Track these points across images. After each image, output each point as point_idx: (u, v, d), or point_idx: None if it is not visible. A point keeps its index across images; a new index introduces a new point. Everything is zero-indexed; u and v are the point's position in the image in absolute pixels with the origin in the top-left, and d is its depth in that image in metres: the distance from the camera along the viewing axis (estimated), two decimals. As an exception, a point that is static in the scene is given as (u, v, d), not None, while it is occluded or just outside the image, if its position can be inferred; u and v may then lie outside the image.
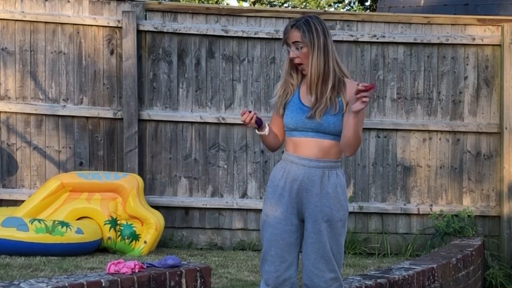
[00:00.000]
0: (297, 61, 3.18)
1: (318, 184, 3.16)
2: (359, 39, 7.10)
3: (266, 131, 3.25)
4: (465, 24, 7.21)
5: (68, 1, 6.87)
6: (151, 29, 6.94)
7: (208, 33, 7.00)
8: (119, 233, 6.15)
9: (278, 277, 3.22)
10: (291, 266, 3.23)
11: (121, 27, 6.87)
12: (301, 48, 3.16)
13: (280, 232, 3.21)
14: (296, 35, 3.16)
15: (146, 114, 6.92)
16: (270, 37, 7.05)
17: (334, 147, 3.19)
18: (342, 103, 3.17)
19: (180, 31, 6.98)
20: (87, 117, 6.88)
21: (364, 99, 2.95)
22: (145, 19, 6.99)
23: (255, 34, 7.03)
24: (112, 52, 6.93)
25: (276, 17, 7.09)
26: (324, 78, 3.16)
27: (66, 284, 3.10)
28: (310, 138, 3.19)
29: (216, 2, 21.15)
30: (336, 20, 7.14)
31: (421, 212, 7.12)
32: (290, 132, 3.26)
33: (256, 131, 3.27)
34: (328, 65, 3.16)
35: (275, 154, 7.02)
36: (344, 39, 7.08)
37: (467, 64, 7.21)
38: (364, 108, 3.01)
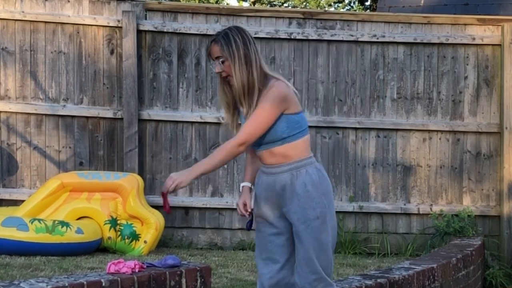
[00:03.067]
0: (223, 74, 3.17)
1: (289, 188, 3.16)
2: (359, 39, 7.10)
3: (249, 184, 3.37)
4: (465, 24, 7.21)
5: (68, 1, 6.87)
6: (151, 29, 6.94)
7: (208, 33, 6.99)
8: (119, 233, 6.15)
9: (271, 278, 3.24)
10: (285, 267, 3.24)
11: (121, 27, 6.87)
12: (223, 62, 3.14)
13: (266, 235, 3.26)
14: (215, 49, 3.16)
15: (146, 114, 6.92)
16: (270, 37, 7.05)
17: (290, 149, 3.16)
18: None
19: (180, 31, 6.98)
20: (87, 117, 6.88)
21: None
22: (145, 19, 6.99)
23: (255, 34, 7.02)
24: (112, 52, 6.93)
25: (276, 17, 7.09)
26: (250, 89, 3.14)
27: (66, 284, 3.10)
28: (263, 150, 3.20)
29: (216, 2, 21.15)
30: (336, 20, 7.14)
31: (421, 212, 7.12)
32: (253, 147, 3.27)
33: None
34: (252, 75, 3.13)
35: (275, 154, 7.01)
36: (344, 39, 7.08)
37: (467, 64, 7.21)
38: (184, 183, 3.10)
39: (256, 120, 3.11)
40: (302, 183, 3.14)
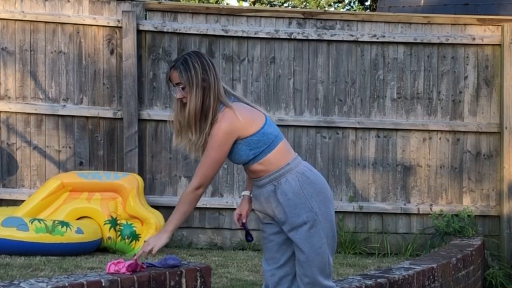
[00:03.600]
0: (185, 100, 3.13)
1: (273, 198, 3.18)
2: (359, 39, 7.10)
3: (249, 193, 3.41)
4: (465, 24, 7.21)
5: (68, 1, 6.87)
6: (151, 29, 6.94)
7: (208, 33, 7.00)
8: (119, 233, 6.15)
9: (273, 275, 3.28)
10: (286, 265, 3.26)
11: (121, 27, 6.87)
12: (183, 88, 3.13)
13: (267, 235, 3.31)
14: (175, 76, 3.13)
15: (146, 113, 6.92)
16: (270, 37, 7.05)
17: (264, 165, 3.16)
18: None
19: (180, 31, 6.98)
20: (87, 117, 6.88)
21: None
22: (145, 19, 6.99)
23: (255, 34, 7.03)
24: (112, 52, 6.93)
25: (276, 17, 7.09)
26: (203, 115, 3.11)
27: (66, 284, 3.09)
28: (246, 167, 3.24)
29: (216, 2, 21.15)
30: (336, 20, 7.14)
31: (421, 212, 7.12)
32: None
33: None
34: (208, 101, 3.11)
35: (275, 154, 7.01)
36: (344, 39, 7.08)
37: (467, 64, 7.21)
38: (156, 247, 3.44)
39: (206, 163, 3.11)
40: (282, 192, 3.15)
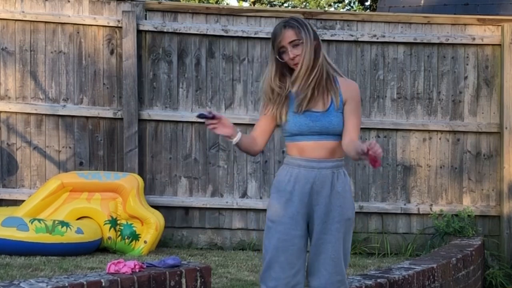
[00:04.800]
0: (297, 59, 3.15)
1: (329, 185, 3.15)
2: (359, 39, 7.10)
3: (236, 138, 3.12)
4: (465, 24, 7.21)
5: (68, 1, 6.87)
6: (151, 29, 6.94)
7: (208, 33, 7.00)
8: (119, 233, 6.15)
9: (288, 284, 3.14)
10: (300, 271, 3.18)
11: (121, 27, 6.87)
12: (297, 45, 3.14)
13: (290, 237, 3.15)
14: (290, 33, 3.15)
15: (146, 114, 6.93)
16: (270, 37, 7.03)
17: (338, 147, 3.19)
18: (334, 101, 3.16)
19: (180, 31, 6.98)
20: (87, 117, 6.88)
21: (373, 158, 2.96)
22: (145, 19, 6.99)
23: (255, 34, 7.03)
24: (112, 52, 6.93)
25: (276, 17, 7.09)
26: (311, 70, 3.14)
27: (66, 284, 3.10)
28: (315, 141, 3.16)
29: (216, 2, 21.15)
30: (336, 20, 7.15)
31: (421, 212, 7.12)
32: (293, 137, 3.22)
33: (228, 139, 3.14)
34: (318, 58, 3.16)
35: (275, 154, 7.02)
36: (344, 39, 7.08)
37: (467, 64, 7.21)
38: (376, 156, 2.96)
39: (359, 123, 3.19)
40: (342, 183, 3.18)
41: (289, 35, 3.15)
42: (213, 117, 3.01)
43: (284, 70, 3.21)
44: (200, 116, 3.01)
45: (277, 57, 3.17)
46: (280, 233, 3.15)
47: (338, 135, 3.17)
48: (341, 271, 3.16)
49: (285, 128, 3.24)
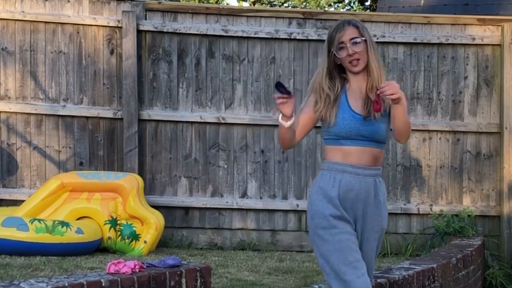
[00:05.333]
0: (356, 56, 3.11)
1: (373, 193, 3.12)
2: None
3: (290, 122, 3.00)
4: (465, 24, 7.21)
5: (68, 1, 6.87)
6: (151, 29, 6.94)
7: (208, 33, 7.00)
8: (119, 233, 6.15)
9: (365, 281, 3.03)
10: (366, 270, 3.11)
11: (121, 27, 6.87)
12: (358, 43, 3.11)
13: (348, 236, 3.07)
14: (354, 31, 3.12)
15: (146, 114, 6.92)
16: (270, 37, 7.05)
17: (381, 155, 3.19)
18: (383, 106, 3.12)
19: (180, 31, 6.98)
20: (87, 117, 6.88)
21: (390, 97, 2.96)
22: (145, 19, 6.99)
23: (255, 34, 7.03)
24: (112, 52, 6.93)
25: (276, 17, 7.09)
26: (382, 77, 3.13)
27: (66, 284, 3.10)
28: (362, 147, 3.11)
29: (216, 2, 21.16)
30: (336, 20, 7.12)
31: (421, 212, 7.12)
32: (338, 140, 3.14)
33: (280, 119, 3.01)
34: (379, 61, 3.17)
35: (275, 154, 7.01)
36: (344, 39, 7.07)
37: (467, 64, 7.21)
38: (398, 98, 2.98)
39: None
40: (383, 192, 3.17)
41: (351, 31, 3.12)
42: (288, 94, 2.94)
43: (334, 71, 3.18)
44: (278, 85, 2.93)
45: (335, 53, 3.13)
46: (338, 236, 3.06)
47: (383, 143, 3.17)
48: (372, 278, 3.20)
49: (331, 130, 3.15)
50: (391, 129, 3.19)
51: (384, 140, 3.17)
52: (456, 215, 7.00)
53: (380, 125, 3.12)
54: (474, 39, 7.16)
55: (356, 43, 3.11)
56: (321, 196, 3.11)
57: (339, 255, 3.04)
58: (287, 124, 3.00)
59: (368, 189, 3.11)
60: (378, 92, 2.98)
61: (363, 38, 3.11)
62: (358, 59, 3.12)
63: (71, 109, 6.87)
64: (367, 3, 19.87)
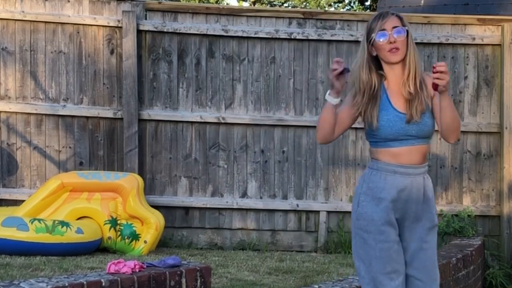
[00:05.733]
0: (396, 45, 3.03)
1: (422, 191, 3.05)
2: (359, 39, 7.09)
3: (338, 100, 3.02)
4: (465, 24, 7.21)
5: (68, 1, 6.87)
6: (151, 29, 6.94)
7: (208, 33, 7.00)
8: (119, 233, 6.15)
9: None
10: (403, 280, 3.04)
11: (121, 27, 6.87)
12: (401, 32, 3.04)
13: (392, 244, 3.00)
14: (396, 20, 3.07)
15: (146, 114, 6.92)
16: (270, 37, 7.04)
17: (427, 151, 3.11)
18: (426, 101, 3.05)
19: (180, 31, 6.98)
20: (87, 117, 6.88)
21: (440, 77, 2.86)
22: (145, 19, 6.99)
23: (255, 34, 7.03)
24: (112, 52, 6.93)
25: (276, 17, 7.09)
26: (418, 71, 3.05)
27: (66, 284, 3.10)
28: (411, 146, 3.02)
29: (216, 2, 21.16)
30: (336, 20, 7.14)
31: (421, 212, 7.11)
32: (386, 143, 3.04)
33: (328, 95, 3.04)
34: (419, 60, 3.09)
35: (275, 154, 7.01)
36: (344, 39, 7.08)
37: (467, 64, 7.21)
38: (446, 87, 2.89)
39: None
40: (431, 189, 3.10)
41: (394, 20, 3.06)
42: (344, 70, 3.05)
43: (372, 64, 3.13)
44: (337, 62, 3.04)
45: (375, 39, 3.06)
46: (382, 242, 2.99)
47: (430, 138, 3.09)
48: (436, 275, 3.06)
49: (377, 134, 3.05)
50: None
51: (431, 135, 3.07)
52: (456, 215, 7.00)
53: (426, 121, 3.02)
54: (474, 39, 7.16)
55: (398, 31, 3.04)
56: (369, 198, 3.04)
57: (378, 262, 2.98)
58: (334, 101, 3.02)
59: (418, 187, 3.04)
60: (434, 67, 2.87)
61: (406, 28, 3.05)
62: (398, 48, 3.04)
63: (71, 109, 6.87)
64: (367, 3, 19.88)
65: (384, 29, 3.06)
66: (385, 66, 3.12)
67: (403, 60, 3.07)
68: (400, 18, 3.08)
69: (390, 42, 3.04)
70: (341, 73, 3.03)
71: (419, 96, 3.03)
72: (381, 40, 3.06)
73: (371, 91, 3.07)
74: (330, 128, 3.08)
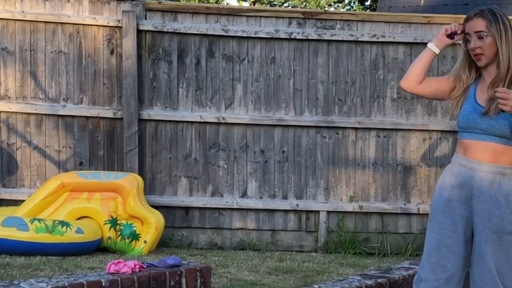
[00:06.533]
0: (478, 51, 2.97)
1: (487, 191, 2.95)
2: (359, 39, 7.10)
3: (437, 50, 3.10)
4: (465, 24, 7.20)
5: (68, 1, 6.87)
6: (151, 28, 6.94)
7: (208, 33, 7.00)
8: (119, 232, 6.15)
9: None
10: (453, 279, 3.00)
11: (121, 27, 6.87)
12: (485, 37, 2.95)
13: (444, 238, 3.03)
14: (480, 23, 2.96)
15: (146, 113, 6.92)
16: (270, 36, 7.05)
17: (506, 152, 2.97)
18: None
19: (180, 31, 6.98)
20: (87, 117, 6.88)
21: (502, 103, 2.82)
22: (145, 18, 6.99)
23: (255, 34, 7.03)
24: (112, 52, 6.93)
25: (276, 17, 7.09)
26: (510, 72, 2.95)
27: (66, 284, 3.10)
28: (480, 140, 2.99)
29: (216, 2, 21.16)
30: (336, 20, 7.14)
31: (421, 212, 7.11)
32: (461, 133, 3.09)
33: (431, 42, 3.12)
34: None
35: (275, 154, 7.01)
36: (344, 39, 7.08)
37: (467, 64, 7.19)
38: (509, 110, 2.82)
39: None
40: (506, 192, 2.94)
41: (477, 24, 2.97)
42: (452, 34, 3.08)
43: (471, 58, 3.06)
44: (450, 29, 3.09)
45: (461, 43, 3.04)
46: (435, 233, 3.07)
47: (508, 139, 2.95)
48: (499, 286, 2.92)
49: (457, 122, 3.13)
50: None
51: (503, 135, 2.95)
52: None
53: (501, 120, 2.93)
54: (474, 39, 7.15)
55: (479, 37, 2.97)
56: (439, 188, 3.11)
57: (427, 250, 3.08)
58: (434, 48, 3.09)
59: (482, 185, 2.96)
60: (495, 93, 2.86)
61: (488, 33, 2.95)
62: (481, 54, 2.99)
63: (71, 109, 6.87)
64: (367, 3, 19.88)
65: (468, 34, 3.02)
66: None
67: (496, 61, 3.00)
68: (487, 19, 2.96)
69: (472, 49, 3.00)
70: (450, 35, 3.09)
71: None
72: (463, 45, 3.05)
73: (464, 86, 3.10)
74: (419, 72, 3.14)
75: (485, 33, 2.95)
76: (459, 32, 3.05)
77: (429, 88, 3.21)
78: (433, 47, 3.10)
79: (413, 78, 3.16)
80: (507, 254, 2.93)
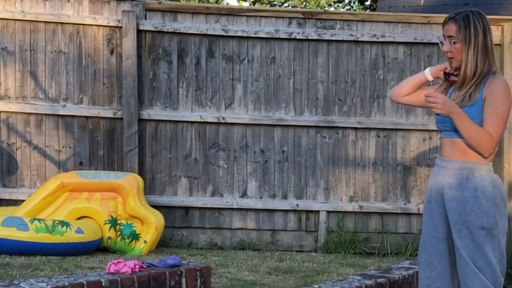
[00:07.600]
0: (449, 55, 3.09)
1: (456, 187, 3.00)
2: (359, 39, 7.10)
3: (430, 79, 3.27)
4: (465, 24, 7.20)
5: (68, 1, 6.87)
6: (151, 28, 6.94)
7: (208, 33, 7.00)
8: (119, 232, 6.15)
9: (429, 285, 3.09)
10: (443, 276, 3.08)
11: (121, 27, 6.87)
12: (454, 43, 3.06)
13: (428, 237, 3.14)
14: (451, 29, 3.08)
15: (146, 113, 6.93)
16: (270, 36, 7.05)
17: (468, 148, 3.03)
18: (480, 98, 3.01)
19: (180, 31, 6.98)
20: (87, 117, 6.88)
21: (432, 107, 2.96)
22: (145, 18, 6.99)
23: (255, 33, 7.03)
24: (112, 52, 6.93)
25: (276, 17, 7.09)
26: (476, 77, 3.02)
27: (66, 284, 3.10)
28: (448, 137, 3.07)
29: (216, 2, 21.16)
30: (336, 20, 7.14)
31: (421, 212, 7.11)
32: (440, 133, 3.18)
33: (428, 70, 3.28)
34: (484, 64, 3.02)
35: (275, 154, 7.01)
36: (344, 38, 7.08)
37: (467, 64, 7.20)
38: (442, 111, 2.95)
39: (496, 112, 2.96)
40: (472, 187, 2.98)
41: (450, 28, 3.09)
42: (453, 74, 3.17)
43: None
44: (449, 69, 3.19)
45: (439, 44, 3.14)
46: (423, 233, 3.19)
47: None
48: (481, 279, 2.93)
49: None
50: None
51: None
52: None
53: (467, 115, 2.99)
54: (474, 39, 7.14)
55: (450, 42, 3.08)
56: (426, 190, 3.21)
57: (419, 250, 3.21)
58: (428, 75, 3.26)
59: (450, 182, 3.02)
60: (426, 98, 3.01)
61: (457, 39, 3.04)
62: (451, 58, 3.10)
63: (71, 109, 6.87)
64: (367, 3, 19.89)
65: (444, 36, 3.13)
66: None
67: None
68: (458, 25, 3.06)
69: (444, 51, 3.11)
70: (446, 74, 3.22)
71: (465, 94, 3.04)
72: (441, 47, 3.17)
73: (442, 89, 3.23)
74: (407, 90, 3.32)
75: (454, 39, 3.06)
76: (455, 74, 3.14)
77: (417, 97, 3.34)
78: (427, 74, 3.27)
79: (397, 93, 3.37)
80: (482, 250, 2.96)
